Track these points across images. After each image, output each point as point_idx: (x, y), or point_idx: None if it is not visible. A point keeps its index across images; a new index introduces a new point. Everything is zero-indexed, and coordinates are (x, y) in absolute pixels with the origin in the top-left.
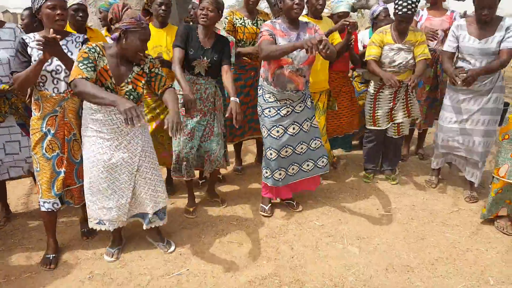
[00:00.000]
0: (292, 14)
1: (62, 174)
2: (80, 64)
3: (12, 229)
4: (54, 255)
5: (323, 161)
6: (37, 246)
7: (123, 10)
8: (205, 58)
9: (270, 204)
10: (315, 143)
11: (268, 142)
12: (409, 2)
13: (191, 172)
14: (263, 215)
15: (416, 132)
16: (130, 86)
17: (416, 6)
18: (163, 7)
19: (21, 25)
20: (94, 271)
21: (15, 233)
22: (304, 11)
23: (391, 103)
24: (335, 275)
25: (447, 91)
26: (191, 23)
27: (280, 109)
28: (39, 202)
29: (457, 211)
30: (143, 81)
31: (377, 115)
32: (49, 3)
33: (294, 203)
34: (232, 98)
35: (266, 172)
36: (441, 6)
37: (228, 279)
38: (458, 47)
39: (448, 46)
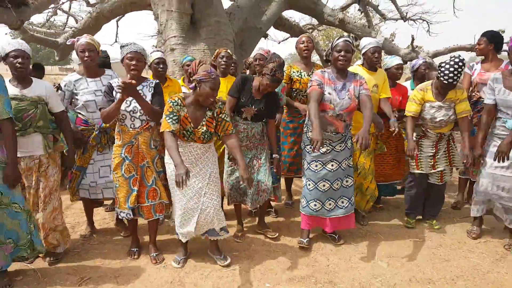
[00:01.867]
0: (338, 65)
1: (135, 192)
2: (167, 118)
3: (95, 241)
4: (137, 249)
5: (353, 201)
6: (112, 255)
7: (199, 65)
8: (253, 107)
9: (308, 238)
10: (347, 181)
11: (308, 174)
12: (454, 72)
13: (237, 199)
14: (301, 247)
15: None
16: (204, 128)
17: (460, 74)
18: (224, 59)
19: None
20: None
21: (96, 246)
22: (360, 61)
23: (434, 150)
24: (363, 280)
25: (488, 138)
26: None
27: (321, 147)
28: (117, 212)
29: (484, 242)
30: (214, 123)
31: (420, 159)
32: (128, 55)
33: (336, 237)
34: (274, 155)
35: (303, 202)
36: (495, 58)
37: (273, 276)
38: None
39: (488, 98)
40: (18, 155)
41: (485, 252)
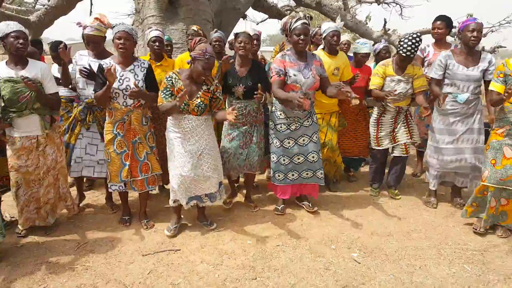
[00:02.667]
0: (298, 48)
1: (127, 166)
2: (162, 93)
3: (85, 214)
4: (128, 217)
5: (321, 173)
6: (105, 224)
7: (197, 42)
8: (241, 85)
9: (283, 205)
10: (313, 156)
11: (279, 152)
12: (412, 46)
13: (229, 171)
14: (276, 214)
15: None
16: (199, 100)
17: (417, 49)
18: (217, 44)
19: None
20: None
21: (91, 216)
22: (322, 46)
23: (393, 126)
24: (332, 235)
25: (435, 115)
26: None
27: (290, 125)
28: (109, 185)
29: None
30: (208, 97)
31: (380, 136)
32: (117, 35)
33: (310, 204)
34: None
35: (278, 175)
36: (445, 41)
37: (254, 234)
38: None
39: (435, 73)
40: (15, 134)
41: (437, 211)
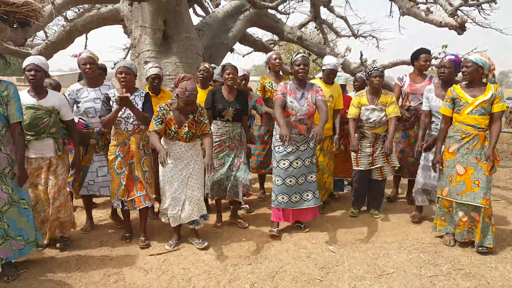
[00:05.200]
0: (299, 77)
1: (123, 186)
2: (153, 121)
3: (95, 234)
4: (129, 234)
5: (317, 194)
6: (99, 251)
7: (180, 80)
8: (230, 108)
9: (277, 227)
10: (311, 177)
11: (277, 172)
12: (379, 75)
13: (218, 194)
14: (272, 235)
15: (406, 181)
16: (186, 129)
17: (382, 78)
18: (201, 73)
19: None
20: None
21: (96, 235)
22: (320, 75)
23: (371, 150)
24: (313, 234)
25: (426, 137)
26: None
27: (286, 147)
28: (112, 202)
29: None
30: (195, 125)
31: (360, 157)
32: (119, 70)
33: (302, 226)
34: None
35: (273, 196)
36: (421, 72)
37: (248, 235)
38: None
39: (424, 106)
40: (31, 155)
41: (402, 217)
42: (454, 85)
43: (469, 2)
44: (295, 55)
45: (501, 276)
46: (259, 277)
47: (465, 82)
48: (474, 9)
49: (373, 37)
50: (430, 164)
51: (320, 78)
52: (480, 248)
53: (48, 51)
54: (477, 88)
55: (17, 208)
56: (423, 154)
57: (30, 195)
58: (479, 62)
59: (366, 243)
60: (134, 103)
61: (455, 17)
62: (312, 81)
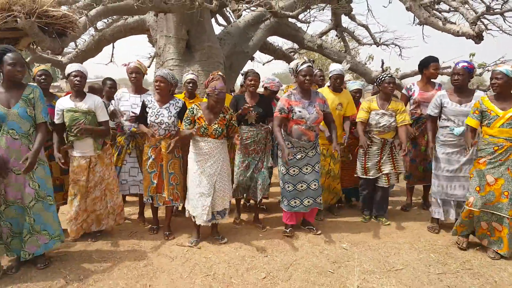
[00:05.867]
0: (304, 87)
1: (155, 184)
2: (183, 122)
3: (124, 226)
4: (156, 226)
5: (320, 199)
6: (129, 241)
7: (210, 80)
8: (253, 112)
9: (291, 228)
10: (315, 184)
11: (286, 178)
12: (392, 81)
13: (243, 194)
14: (285, 235)
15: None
16: (216, 126)
17: (394, 85)
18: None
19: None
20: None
21: (126, 227)
22: (328, 84)
23: (379, 156)
24: (326, 233)
25: (436, 145)
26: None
27: (296, 154)
28: (144, 198)
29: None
30: (224, 123)
31: (368, 166)
32: (155, 78)
33: (314, 228)
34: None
35: (284, 201)
36: (430, 80)
37: (264, 234)
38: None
39: (431, 111)
40: (74, 154)
41: (416, 218)
42: (482, 96)
43: (491, 11)
44: (300, 64)
45: (510, 276)
46: (274, 268)
47: (494, 94)
48: (496, 18)
49: (396, 45)
50: (441, 173)
51: (328, 86)
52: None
53: (78, 59)
54: (506, 100)
55: (42, 203)
56: (433, 163)
57: (70, 190)
58: (510, 74)
59: (378, 243)
60: (168, 111)
61: (473, 26)
62: (320, 89)
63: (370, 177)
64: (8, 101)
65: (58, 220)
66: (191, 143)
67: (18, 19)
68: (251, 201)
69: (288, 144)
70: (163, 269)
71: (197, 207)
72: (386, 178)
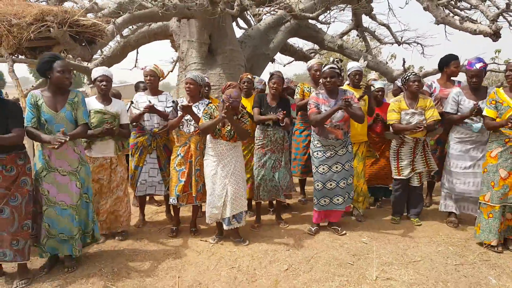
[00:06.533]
0: (326, 88)
1: (182, 183)
2: (203, 117)
3: (145, 228)
4: (176, 228)
5: (352, 194)
6: (157, 237)
7: (227, 87)
8: (272, 113)
9: (317, 227)
10: (350, 180)
11: (316, 177)
12: (418, 80)
13: (263, 196)
14: (309, 234)
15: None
16: (229, 128)
17: (421, 82)
18: (245, 84)
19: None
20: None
21: (147, 230)
22: (348, 82)
23: (412, 156)
24: (347, 227)
25: (451, 142)
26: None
27: (325, 152)
28: (170, 199)
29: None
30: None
31: (401, 166)
32: (186, 80)
33: (339, 229)
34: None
35: (315, 200)
36: (450, 78)
37: (286, 229)
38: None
39: (450, 109)
40: (95, 155)
41: (435, 216)
42: (496, 88)
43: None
44: (323, 66)
45: None
46: (296, 260)
47: (508, 86)
48: None
49: (418, 43)
50: (455, 170)
51: (348, 84)
52: None
53: (104, 65)
54: None
55: (80, 201)
56: (447, 159)
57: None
58: None
59: (397, 237)
60: (197, 109)
61: (491, 24)
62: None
63: (404, 178)
64: (55, 105)
65: (92, 218)
66: (206, 145)
67: (51, 28)
68: (274, 203)
69: (317, 143)
70: (190, 262)
71: (212, 206)
72: (419, 177)
